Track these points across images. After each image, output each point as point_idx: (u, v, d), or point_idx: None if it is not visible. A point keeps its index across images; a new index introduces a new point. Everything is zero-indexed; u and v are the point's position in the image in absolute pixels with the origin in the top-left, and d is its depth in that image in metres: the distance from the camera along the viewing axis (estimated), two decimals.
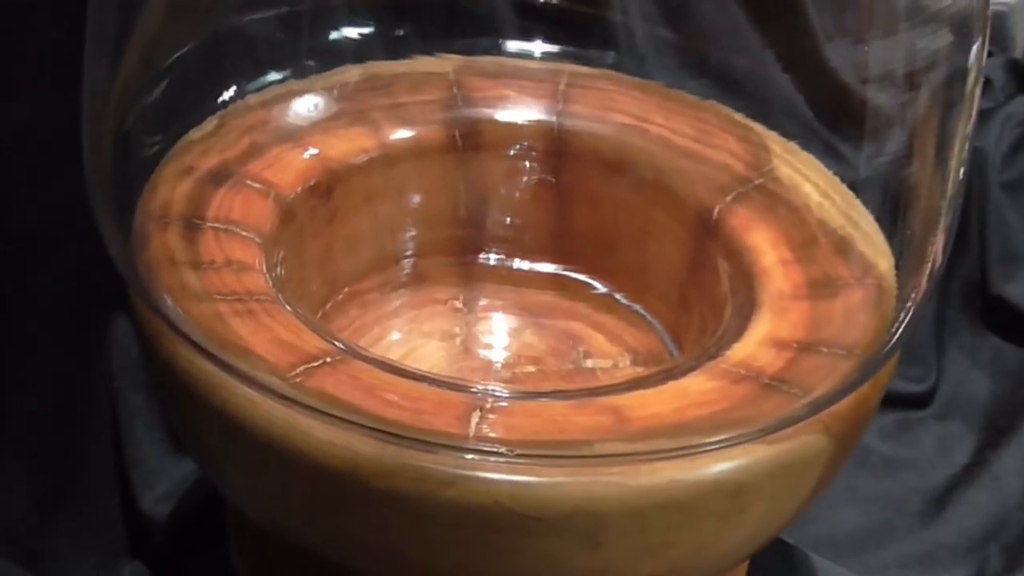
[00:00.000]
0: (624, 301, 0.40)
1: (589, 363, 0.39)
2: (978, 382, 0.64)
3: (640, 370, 0.36)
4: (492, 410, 0.28)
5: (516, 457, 0.26)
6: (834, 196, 0.37)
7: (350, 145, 0.39)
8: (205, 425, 0.29)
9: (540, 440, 0.27)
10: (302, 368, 0.29)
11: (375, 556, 0.29)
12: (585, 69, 0.42)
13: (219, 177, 0.35)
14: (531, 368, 0.39)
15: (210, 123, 0.37)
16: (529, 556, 0.27)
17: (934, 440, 0.62)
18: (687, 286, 0.38)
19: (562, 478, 0.26)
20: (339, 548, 0.29)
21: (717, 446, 0.27)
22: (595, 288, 0.41)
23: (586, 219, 0.41)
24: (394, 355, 0.38)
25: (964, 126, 0.31)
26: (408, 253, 0.40)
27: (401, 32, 0.39)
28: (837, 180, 0.38)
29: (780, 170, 0.38)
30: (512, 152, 0.41)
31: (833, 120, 0.63)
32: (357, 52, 0.39)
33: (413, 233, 0.40)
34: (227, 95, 0.36)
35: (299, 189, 0.37)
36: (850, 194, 0.37)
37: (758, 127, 0.40)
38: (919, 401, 0.64)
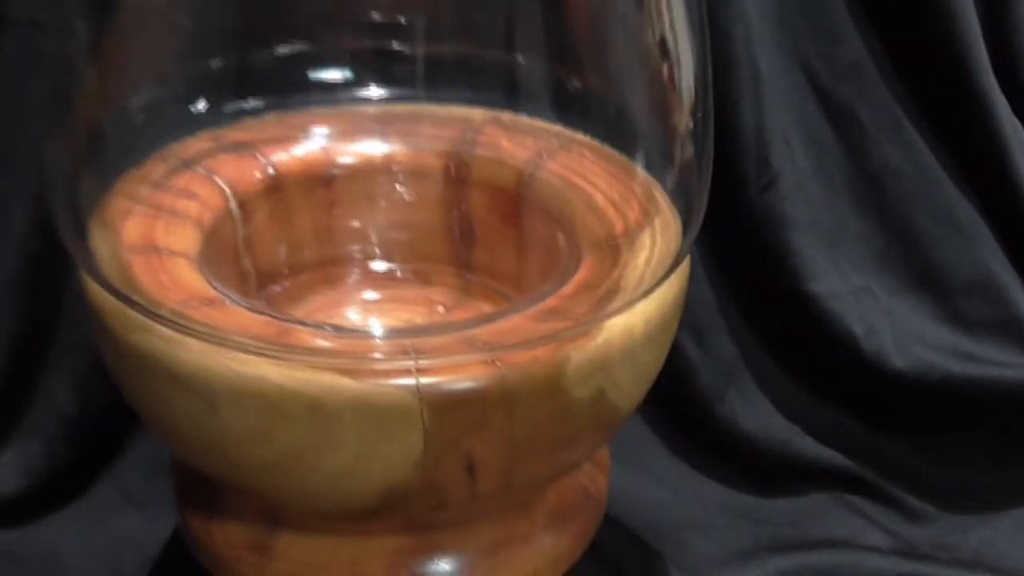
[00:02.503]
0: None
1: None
2: None
3: None
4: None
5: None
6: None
7: (362, 152, 0.50)
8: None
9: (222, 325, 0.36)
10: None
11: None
12: (578, 136, 0.49)
13: (238, 146, 0.49)
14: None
15: (267, 116, 0.50)
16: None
17: None
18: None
19: (190, 352, 0.35)
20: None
21: None
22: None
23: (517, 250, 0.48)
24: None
25: None
26: (384, 253, 0.51)
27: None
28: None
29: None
30: (490, 190, 0.49)
31: None
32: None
33: (394, 236, 0.50)
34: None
35: (299, 172, 0.49)
36: None
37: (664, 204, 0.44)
38: None
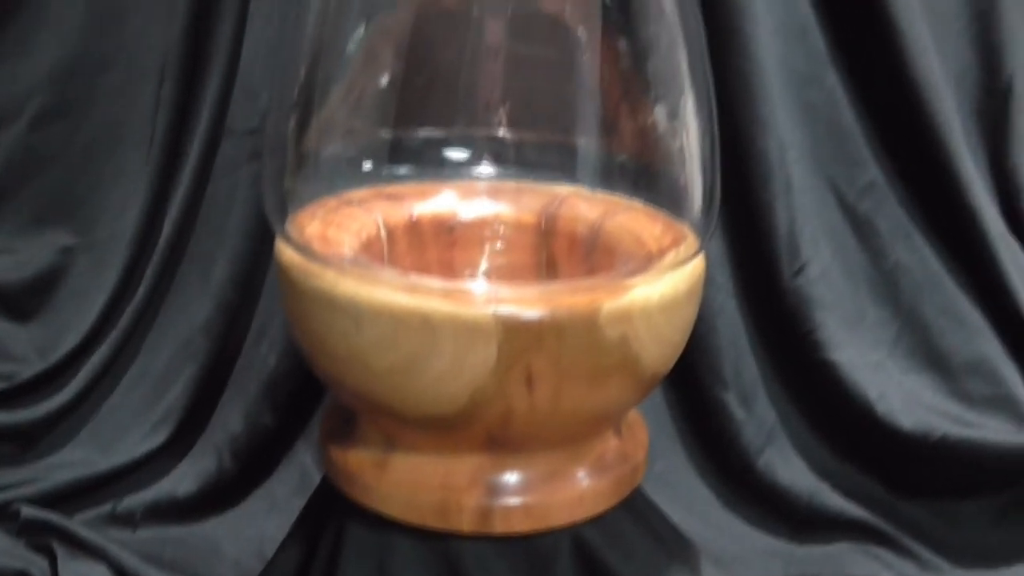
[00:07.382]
0: None
1: None
2: None
3: None
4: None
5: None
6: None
7: (480, 210, 0.68)
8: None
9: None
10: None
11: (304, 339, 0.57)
12: (634, 203, 0.66)
13: (391, 197, 0.68)
14: None
15: (414, 179, 0.70)
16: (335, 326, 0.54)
17: None
18: None
19: (346, 286, 0.53)
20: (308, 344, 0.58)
21: None
22: None
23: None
24: None
25: None
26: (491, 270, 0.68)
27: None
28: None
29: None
30: (570, 238, 0.67)
31: None
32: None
33: (497, 269, 0.68)
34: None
35: (432, 219, 0.67)
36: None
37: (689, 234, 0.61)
38: None
